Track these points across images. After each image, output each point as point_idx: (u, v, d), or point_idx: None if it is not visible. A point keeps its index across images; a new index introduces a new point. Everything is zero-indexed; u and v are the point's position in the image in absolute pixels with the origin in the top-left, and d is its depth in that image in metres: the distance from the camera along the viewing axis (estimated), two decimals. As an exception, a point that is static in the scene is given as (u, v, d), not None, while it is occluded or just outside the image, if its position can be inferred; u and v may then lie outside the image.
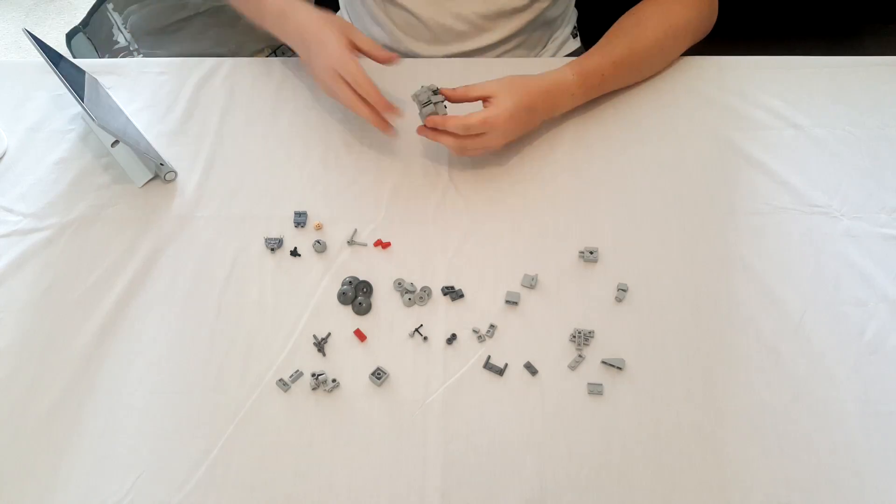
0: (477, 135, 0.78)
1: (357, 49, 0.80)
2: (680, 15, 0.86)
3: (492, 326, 0.75)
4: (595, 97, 0.88)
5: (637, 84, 0.91)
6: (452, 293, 0.77)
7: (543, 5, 0.95)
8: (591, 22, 0.92)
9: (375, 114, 0.79)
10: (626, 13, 0.89)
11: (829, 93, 0.90)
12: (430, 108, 0.78)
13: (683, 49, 0.91)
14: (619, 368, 0.72)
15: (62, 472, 0.68)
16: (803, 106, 0.89)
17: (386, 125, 0.80)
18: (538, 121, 0.85)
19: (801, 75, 0.92)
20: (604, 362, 0.72)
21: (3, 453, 0.69)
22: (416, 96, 0.78)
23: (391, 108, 0.78)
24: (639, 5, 0.89)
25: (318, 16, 0.82)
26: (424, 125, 0.80)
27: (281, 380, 0.72)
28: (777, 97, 0.90)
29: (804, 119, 0.88)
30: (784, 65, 0.93)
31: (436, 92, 0.79)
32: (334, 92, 0.80)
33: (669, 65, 0.92)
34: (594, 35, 0.90)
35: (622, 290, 0.75)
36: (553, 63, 0.90)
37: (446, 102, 0.80)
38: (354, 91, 0.78)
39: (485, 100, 0.80)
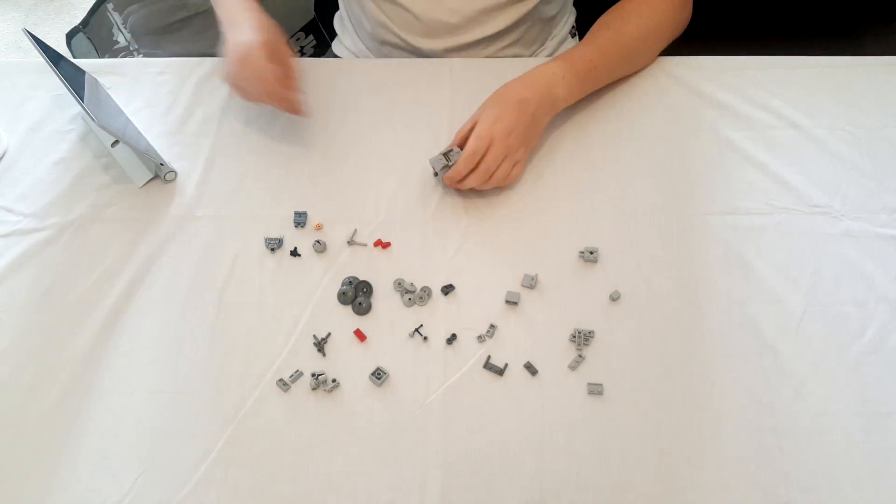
0: (490, 154, 0.78)
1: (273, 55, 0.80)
2: (659, 10, 0.89)
3: (492, 326, 0.75)
4: (594, 88, 0.88)
5: (637, 84, 0.91)
6: (452, 293, 0.77)
7: None
8: (589, 22, 0.92)
9: (285, 101, 0.80)
10: (608, 11, 0.91)
11: (829, 93, 0.90)
12: (447, 169, 0.81)
13: (667, 43, 0.92)
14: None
15: (62, 472, 0.68)
16: (803, 106, 0.89)
17: (298, 108, 0.81)
18: (538, 110, 0.81)
19: (801, 75, 0.92)
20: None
21: (3, 453, 0.69)
22: (432, 164, 0.81)
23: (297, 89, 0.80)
24: (620, 3, 0.90)
25: (256, 14, 0.83)
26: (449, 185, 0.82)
27: (281, 380, 0.72)
28: (777, 97, 0.90)
29: (804, 119, 0.88)
30: (784, 65, 0.93)
31: (447, 154, 0.81)
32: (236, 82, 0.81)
33: (654, 60, 0.93)
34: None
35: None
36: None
37: (456, 149, 0.82)
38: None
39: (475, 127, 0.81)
